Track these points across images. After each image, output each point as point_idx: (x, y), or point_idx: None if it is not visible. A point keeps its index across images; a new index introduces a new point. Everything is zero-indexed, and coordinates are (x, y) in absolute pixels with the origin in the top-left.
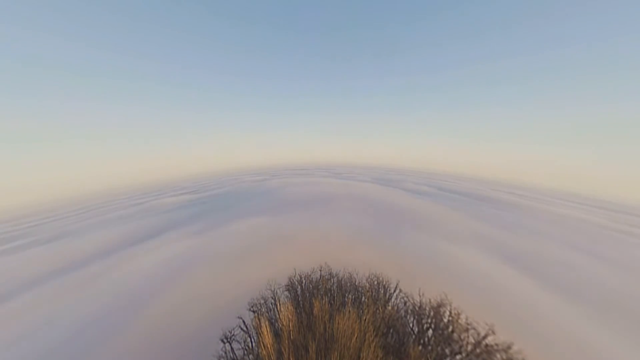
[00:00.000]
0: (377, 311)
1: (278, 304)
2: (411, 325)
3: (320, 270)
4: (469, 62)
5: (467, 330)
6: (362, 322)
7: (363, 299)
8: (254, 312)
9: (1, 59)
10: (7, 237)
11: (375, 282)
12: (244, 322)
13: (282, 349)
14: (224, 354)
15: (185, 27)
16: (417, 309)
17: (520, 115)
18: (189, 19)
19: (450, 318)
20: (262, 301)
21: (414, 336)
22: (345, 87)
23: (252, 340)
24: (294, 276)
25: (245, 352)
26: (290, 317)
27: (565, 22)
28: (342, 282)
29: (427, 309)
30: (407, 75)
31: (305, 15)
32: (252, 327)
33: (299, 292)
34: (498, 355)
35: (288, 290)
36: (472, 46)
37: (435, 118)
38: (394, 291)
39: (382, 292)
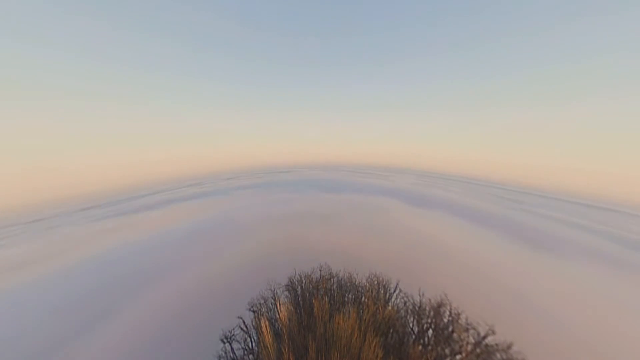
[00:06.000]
0: (377, 311)
1: (278, 304)
2: (411, 325)
3: (320, 270)
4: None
5: (467, 330)
6: (362, 322)
7: (363, 299)
8: (254, 312)
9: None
10: None
11: (375, 282)
12: (244, 322)
13: (282, 349)
14: (224, 354)
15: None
16: (417, 309)
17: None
18: None
19: (450, 318)
20: (262, 301)
21: (414, 336)
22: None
23: (252, 340)
24: (294, 276)
25: (245, 352)
26: (290, 317)
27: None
28: (342, 282)
29: (427, 309)
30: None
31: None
32: (252, 327)
33: (299, 292)
34: (498, 355)
35: (288, 290)
36: None
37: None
38: (394, 291)
39: (382, 292)
